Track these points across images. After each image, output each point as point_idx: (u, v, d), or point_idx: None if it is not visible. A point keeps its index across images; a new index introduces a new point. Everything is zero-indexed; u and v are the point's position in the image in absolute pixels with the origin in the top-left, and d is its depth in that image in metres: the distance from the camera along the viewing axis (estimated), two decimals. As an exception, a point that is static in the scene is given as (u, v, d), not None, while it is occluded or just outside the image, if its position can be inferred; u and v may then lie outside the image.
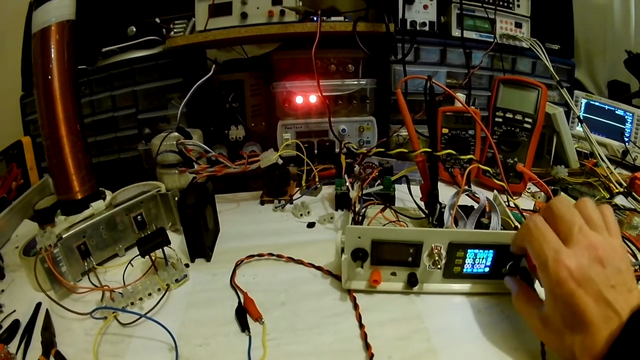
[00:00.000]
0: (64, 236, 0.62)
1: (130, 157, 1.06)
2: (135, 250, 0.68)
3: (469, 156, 0.73)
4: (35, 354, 0.51)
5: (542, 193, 0.84)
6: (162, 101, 1.04)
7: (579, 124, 0.98)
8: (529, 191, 0.90)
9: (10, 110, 1.15)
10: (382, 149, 0.72)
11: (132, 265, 0.66)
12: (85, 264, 0.65)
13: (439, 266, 0.55)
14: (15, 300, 0.62)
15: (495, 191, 0.69)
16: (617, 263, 0.41)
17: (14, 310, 0.59)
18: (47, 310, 0.58)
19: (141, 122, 1.04)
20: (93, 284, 0.63)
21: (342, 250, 0.56)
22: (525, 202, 0.84)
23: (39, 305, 0.60)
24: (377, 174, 0.83)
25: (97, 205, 0.71)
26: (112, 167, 1.05)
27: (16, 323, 0.56)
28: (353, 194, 0.74)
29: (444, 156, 0.87)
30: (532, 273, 0.51)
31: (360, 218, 0.71)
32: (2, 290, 0.65)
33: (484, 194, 0.64)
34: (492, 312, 0.55)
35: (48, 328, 0.55)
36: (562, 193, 0.80)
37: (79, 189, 0.70)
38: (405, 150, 0.66)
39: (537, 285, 0.51)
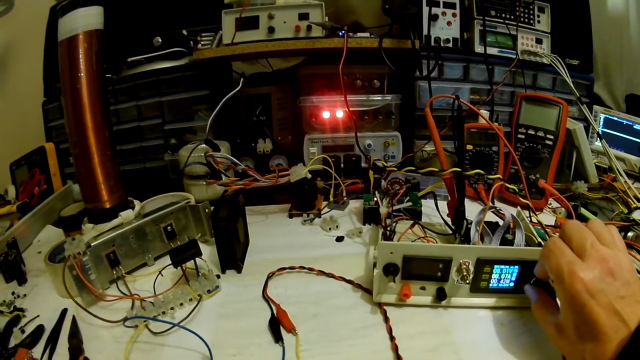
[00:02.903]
0: (93, 244, 0.62)
1: (155, 166, 1.07)
2: (164, 260, 0.70)
3: (496, 176, 0.74)
4: (61, 360, 0.52)
5: (563, 209, 0.85)
6: (189, 112, 1.05)
7: (598, 139, 0.99)
8: (550, 207, 0.90)
9: (32, 116, 1.16)
10: (412, 167, 0.73)
11: (162, 275, 0.67)
12: (114, 272, 0.66)
13: (467, 281, 0.55)
14: (38, 305, 0.62)
15: (518, 207, 0.70)
16: (627, 275, 0.43)
17: (38, 316, 0.60)
18: (73, 317, 0.58)
19: (167, 132, 1.05)
20: (122, 292, 0.64)
21: (374, 265, 0.57)
22: (546, 218, 0.84)
23: (64, 311, 0.60)
24: (404, 190, 0.84)
25: (126, 214, 0.71)
26: (137, 176, 1.06)
27: (40, 328, 0.57)
28: (382, 209, 0.75)
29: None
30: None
31: (390, 233, 0.72)
32: (25, 295, 0.65)
33: (508, 211, 0.65)
34: (514, 325, 0.56)
35: (75, 334, 0.55)
36: (582, 209, 0.81)
37: (107, 198, 0.70)
38: (435, 169, 0.67)
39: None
